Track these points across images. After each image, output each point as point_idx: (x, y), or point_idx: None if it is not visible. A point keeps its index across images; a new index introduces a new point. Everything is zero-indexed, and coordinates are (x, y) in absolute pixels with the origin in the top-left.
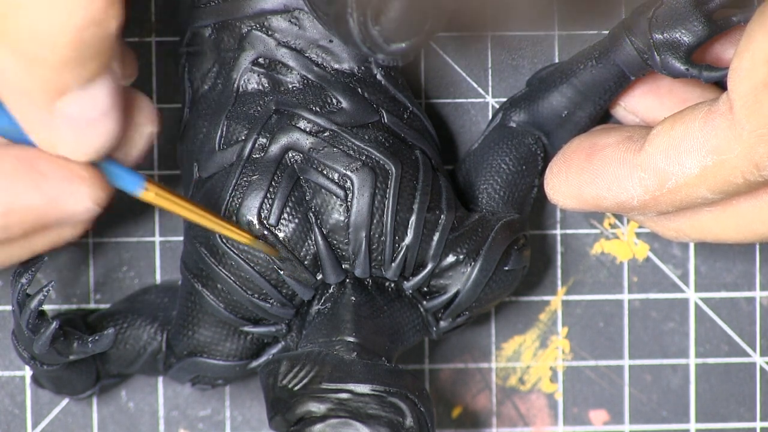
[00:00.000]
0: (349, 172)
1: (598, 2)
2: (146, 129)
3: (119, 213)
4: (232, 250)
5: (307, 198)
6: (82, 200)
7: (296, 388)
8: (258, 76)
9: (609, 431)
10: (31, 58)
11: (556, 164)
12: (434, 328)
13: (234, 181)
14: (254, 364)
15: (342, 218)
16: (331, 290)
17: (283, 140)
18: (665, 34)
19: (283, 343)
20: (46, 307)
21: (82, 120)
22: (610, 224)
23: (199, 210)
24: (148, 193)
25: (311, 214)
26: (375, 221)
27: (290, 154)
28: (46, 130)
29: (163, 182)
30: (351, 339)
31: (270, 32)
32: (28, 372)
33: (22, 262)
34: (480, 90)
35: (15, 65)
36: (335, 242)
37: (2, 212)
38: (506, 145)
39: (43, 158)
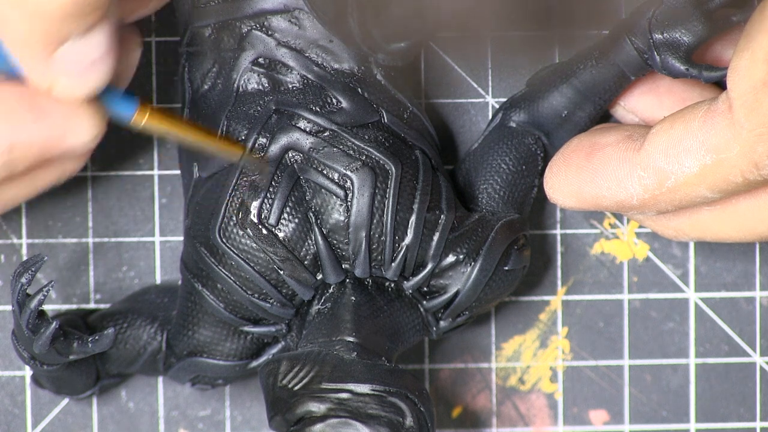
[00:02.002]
0: (349, 172)
1: (598, 2)
2: (135, 53)
3: (119, 213)
4: (232, 250)
5: (307, 198)
6: (82, 133)
7: (296, 388)
8: (258, 75)
9: (609, 431)
10: (34, 10)
11: (555, 163)
12: (434, 328)
13: (234, 181)
14: (254, 364)
15: (342, 218)
16: (331, 290)
17: (283, 140)
18: (665, 34)
19: (283, 343)
20: (46, 307)
21: (80, 65)
22: (610, 224)
23: (193, 129)
24: (143, 115)
25: (311, 214)
26: (375, 221)
27: (290, 154)
28: (44, 74)
29: (163, 182)
30: (351, 339)
31: (270, 32)
32: (28, 372)
33: (22, 262)
34: (480, 90)
35: (17, 17)
36: (335, 242)
37: (6, 149)
38: (506, 145)
39: (44, 94)
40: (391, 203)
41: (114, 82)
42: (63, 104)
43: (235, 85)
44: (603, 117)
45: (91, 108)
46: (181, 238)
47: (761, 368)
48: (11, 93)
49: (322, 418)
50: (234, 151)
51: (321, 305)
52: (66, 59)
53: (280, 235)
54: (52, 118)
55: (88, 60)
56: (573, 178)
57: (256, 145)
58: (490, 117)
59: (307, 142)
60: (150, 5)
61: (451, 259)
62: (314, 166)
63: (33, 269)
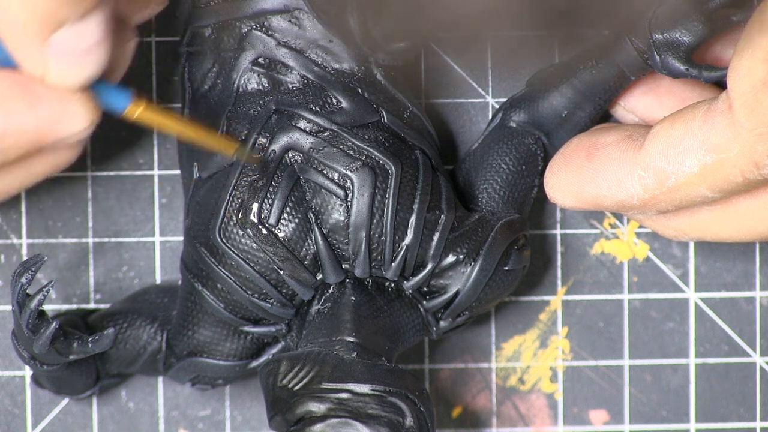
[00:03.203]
0: (349, 172)
1: (599, 2)
2: (130, 44)
3: (119, 213)
4: (232, 250)
5: (307, 198)
6: (76, 121)
7: (296, 388)
8: (258, 75)
9: (609, 431)
10: None
11: (555, 163)
12: (434, 328)
13: (234, 181)
14: (254, 364)
15: (342, 218)
16: (331, 290)
17: (283, 140)
18: (665, 34)
19: (283, 343)
20: (46, 307)
21: (75, 51)
22: (610, 224)
23: (187, 124)
24: (137, 108)
25: (311, 214)
26: (375, 221)
27: (290, 154)
28: (38, 61)
29: (163, 182)
30: (351, 339)
31: (270, 32)
32: (28, 372)
33: (22, 262)
34: (480, 90)
35: (12, 0)
36: (335, 242)
37: None
38: (506, 145)
39: (37, 81)
40: (391, 203)
41: (108, 73)
42: (56, 92)
43: (235, 85)
44: (603, 117)
45: (85, 96)
46: (181, 238)
47: (761, 368)
48: (4, 79)
49: (322, 418)
50: (228, 146)
51: (321, 305)
52: (60, 45)
53: (280, 235)
54: (45, 106)
55: (82, 47)
56: (573, 178)
57: (257, 145)
58: (490, 117)
59: (307, 142)
60: (150, 7)
61: (451, 259)
62: (314, 166)
63: (33, 269)
